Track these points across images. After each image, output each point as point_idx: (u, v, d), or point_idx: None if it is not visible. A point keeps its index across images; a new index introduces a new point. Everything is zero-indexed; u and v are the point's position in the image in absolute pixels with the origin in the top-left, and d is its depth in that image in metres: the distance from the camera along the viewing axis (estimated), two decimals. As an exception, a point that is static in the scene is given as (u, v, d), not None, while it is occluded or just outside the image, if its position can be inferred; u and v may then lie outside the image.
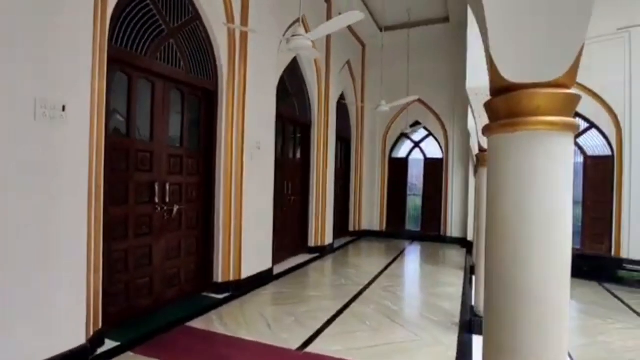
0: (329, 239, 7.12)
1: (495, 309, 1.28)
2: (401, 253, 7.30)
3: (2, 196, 2.16)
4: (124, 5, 3.13)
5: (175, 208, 3.81)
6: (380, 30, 8.52)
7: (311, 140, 6.75)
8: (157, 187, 3.60)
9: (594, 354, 3.21)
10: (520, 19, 1.14)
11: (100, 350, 2.82)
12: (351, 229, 9.09)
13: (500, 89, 1.27)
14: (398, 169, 9.25)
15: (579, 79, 1.25)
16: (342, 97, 8.10)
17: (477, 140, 3.50)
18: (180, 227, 3.93)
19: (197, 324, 3.45)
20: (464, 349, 3.13)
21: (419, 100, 8.61)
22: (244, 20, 4.41)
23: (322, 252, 6.81)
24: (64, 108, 2.48)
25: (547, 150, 1.17)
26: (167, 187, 3.72)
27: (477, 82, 3.22)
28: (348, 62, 8.22)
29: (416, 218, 9.21)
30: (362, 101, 9.09)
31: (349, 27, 7.95)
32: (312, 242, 6.77)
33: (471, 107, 3.41)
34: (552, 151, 1.17)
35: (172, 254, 3.86)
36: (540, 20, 1.12)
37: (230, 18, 4.25)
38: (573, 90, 1.18)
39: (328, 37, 6.93)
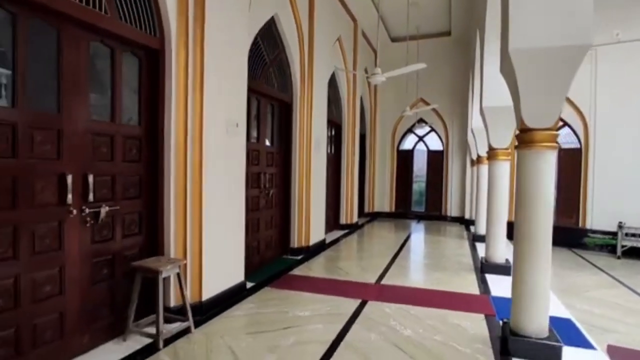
0: (355, 218, 8.64)
1: (522, 250, 2.79)
2: (413, 229, 8.91)
3: (218, 172, 3.55)
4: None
5: (271, 191, 5.22)
6: (392, 40, 9.98)
7: (342, 138, 8.20)
8: (261, 176, 5.00)
9: (564, 287, 4.88)
10: (536, 94, 2.64)
11: (247, 287, 4.25)
12: (366, 210, 10.64)
13: (524, 129, 2.77)
14: (405, 159, 10.82)
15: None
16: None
17: (487, 141, 5.01)
18: (272, 206, 5.35)
19: (297, 272, 4.92)
20: (481, 279, 4.73)
21: (423, 101, 10.17)
22: (310, 45, 5.78)
23: (351, 228, 8.33)
24: (237, 125, 3.86)
25: (546, 158, 2.68)
26: (267, 176, 5.12)
27: (491, 102, 4.70)
28: (365, 70, 9.63)
29: (420, 201, 10.85)
30: (375, 103, 10.57)
31: (366, 37, 9.34)
32: (343, 220, 8.28)
33: (485, 119, 4.89)
34: (548, 158, 2.69)
35: (269, 225, 5.28)
36: (543, 94, 2.62)
37: (302, 46, 5.61)
38: (556, 132, 2.70)
39: (355, 46, 8.35)
